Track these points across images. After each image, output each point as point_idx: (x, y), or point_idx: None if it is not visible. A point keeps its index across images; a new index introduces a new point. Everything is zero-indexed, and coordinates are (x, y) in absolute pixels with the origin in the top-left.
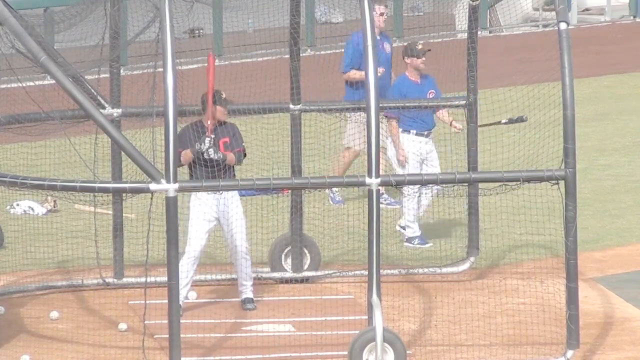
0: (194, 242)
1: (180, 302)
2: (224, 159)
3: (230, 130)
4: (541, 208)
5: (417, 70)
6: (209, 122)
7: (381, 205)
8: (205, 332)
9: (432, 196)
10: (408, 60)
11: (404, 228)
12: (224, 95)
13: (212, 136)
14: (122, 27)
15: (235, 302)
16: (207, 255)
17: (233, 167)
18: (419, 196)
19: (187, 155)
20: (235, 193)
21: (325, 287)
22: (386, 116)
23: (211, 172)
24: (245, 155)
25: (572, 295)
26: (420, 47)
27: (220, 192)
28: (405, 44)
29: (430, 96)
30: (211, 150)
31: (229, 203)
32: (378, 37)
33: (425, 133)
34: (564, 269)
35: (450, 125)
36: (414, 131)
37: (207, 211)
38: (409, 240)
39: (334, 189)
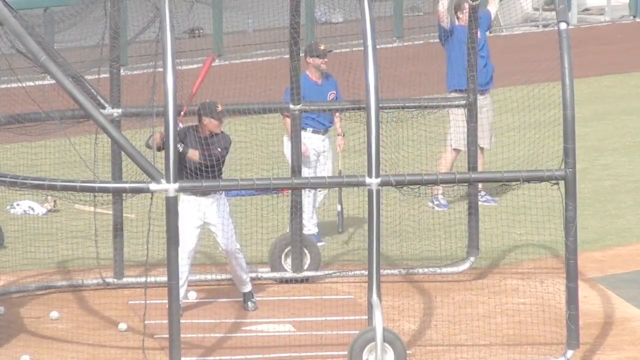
0: (183, 243)
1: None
2: (184, 150)
3: (221, 141)
4: (541, 208)
5: (318, 70)
6: (180, 115)
7: (479, 202)
8: (205, 332)
9: (324, 195)
10: (310, 60)
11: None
12: (219, 108)
13: (180, 125)
14: (122, 27)
15: (235, 302)
16: (207, 256)
17: (219, 170)
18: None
19: (157, 137)
20: (222, 195)
21: (325, 287)
22: (283, 115)
23: (191, 171)
24: (223, 162)
25: (572, 295)
26: (322, 47)
27: (204, 195)
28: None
29: (331, 97)
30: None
31: (213, 206)
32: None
33: (322, 131)
34: (564, 269)
35: (338, 135)
36: (310, 129)
37: (192, 213)
38: None
39: (439, 195)
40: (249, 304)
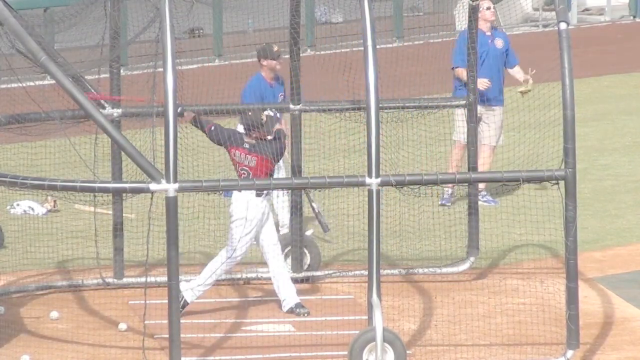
0: (241, 250)
1: (190, 301)
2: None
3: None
4: (541, 208)
5: (273, 71)
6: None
7: (479, 202)
8: (205, 332)
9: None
10: (265, 62)
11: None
12: (264, 119)
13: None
14: (122, 27)
15: (235, 302)
16: (206, 256)
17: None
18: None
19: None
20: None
21: (325, 287)
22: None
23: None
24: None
25: (572, 295)
26: (276, 49)
27: (268, 193)
28: (264, 45)
29: (280, 99)
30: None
31: (267, 202)
32: (488, 33)
33: None
34: (564, 269)
35: None
36: None
37: (259, 216)
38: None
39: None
40: (299, 309)
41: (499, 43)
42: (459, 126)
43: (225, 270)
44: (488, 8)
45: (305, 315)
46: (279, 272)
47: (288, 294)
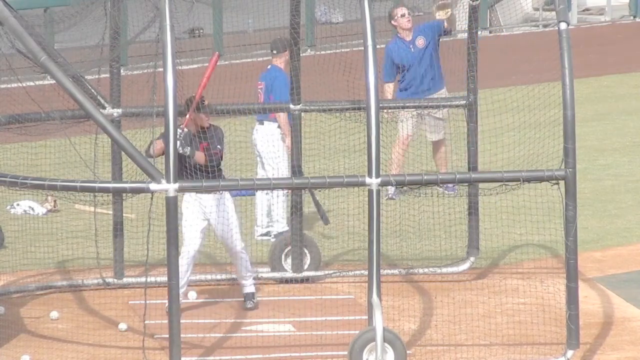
0: (188, 242)
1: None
2: (191, 154)
3: (212, 135)
4: (541, 208)
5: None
6: (185, 119)
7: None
8: (205, 332)
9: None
10: (287, 52)
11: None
12: (206, 102)
13: (185, 130)
14: (122, 27)
15: (235, 302)
16: (206, 255)
17: (219, 167)
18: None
19: (157, 145)
20: (225, 193)
21: (325, 287)
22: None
23: (191, 170)
24: (222, 158)
25: (572, 295)
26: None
27: (208, 193)
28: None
29: None
30: (178, 143)
31: (215, 202)
32: (408, 39)
33: None
34: (564, 269)
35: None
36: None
37: (195, 212)
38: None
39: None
40: (248, 303)
41: (420, 42)
42: (404, 121)
43: (185, 265)
44: (403, 15)
45: (252, 309)
46: (239, 257)
47: (246, 281)
